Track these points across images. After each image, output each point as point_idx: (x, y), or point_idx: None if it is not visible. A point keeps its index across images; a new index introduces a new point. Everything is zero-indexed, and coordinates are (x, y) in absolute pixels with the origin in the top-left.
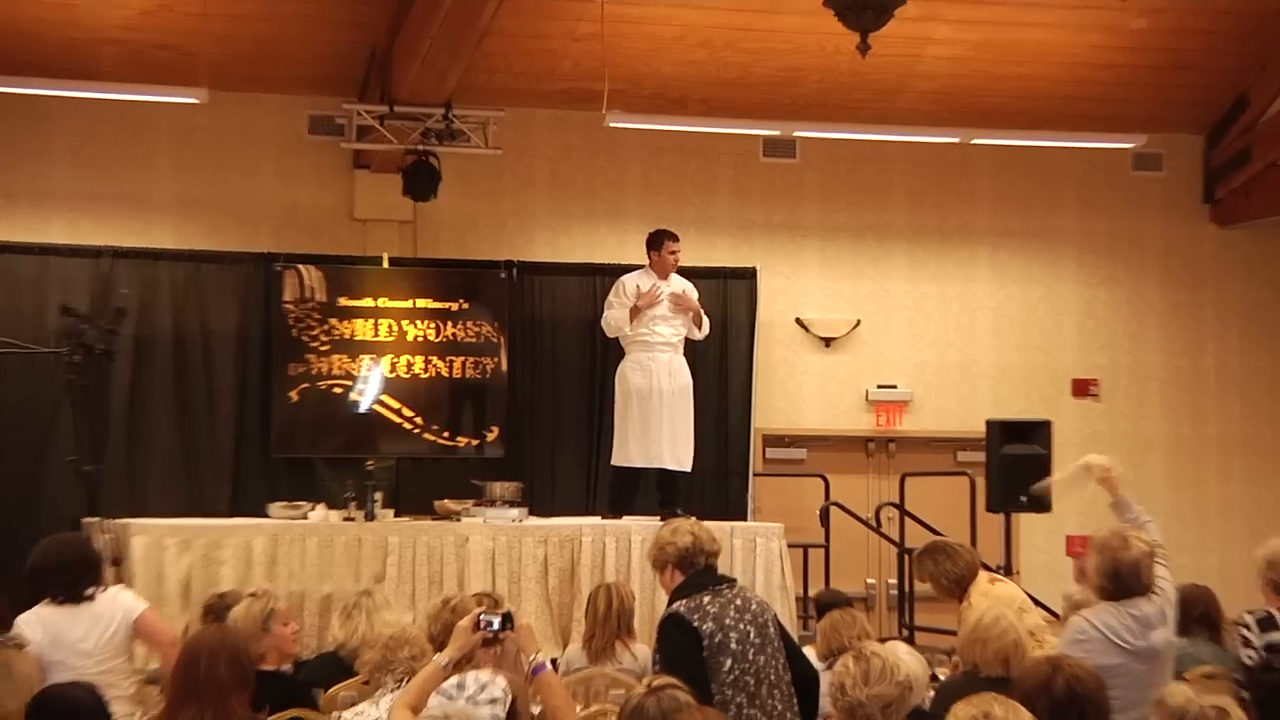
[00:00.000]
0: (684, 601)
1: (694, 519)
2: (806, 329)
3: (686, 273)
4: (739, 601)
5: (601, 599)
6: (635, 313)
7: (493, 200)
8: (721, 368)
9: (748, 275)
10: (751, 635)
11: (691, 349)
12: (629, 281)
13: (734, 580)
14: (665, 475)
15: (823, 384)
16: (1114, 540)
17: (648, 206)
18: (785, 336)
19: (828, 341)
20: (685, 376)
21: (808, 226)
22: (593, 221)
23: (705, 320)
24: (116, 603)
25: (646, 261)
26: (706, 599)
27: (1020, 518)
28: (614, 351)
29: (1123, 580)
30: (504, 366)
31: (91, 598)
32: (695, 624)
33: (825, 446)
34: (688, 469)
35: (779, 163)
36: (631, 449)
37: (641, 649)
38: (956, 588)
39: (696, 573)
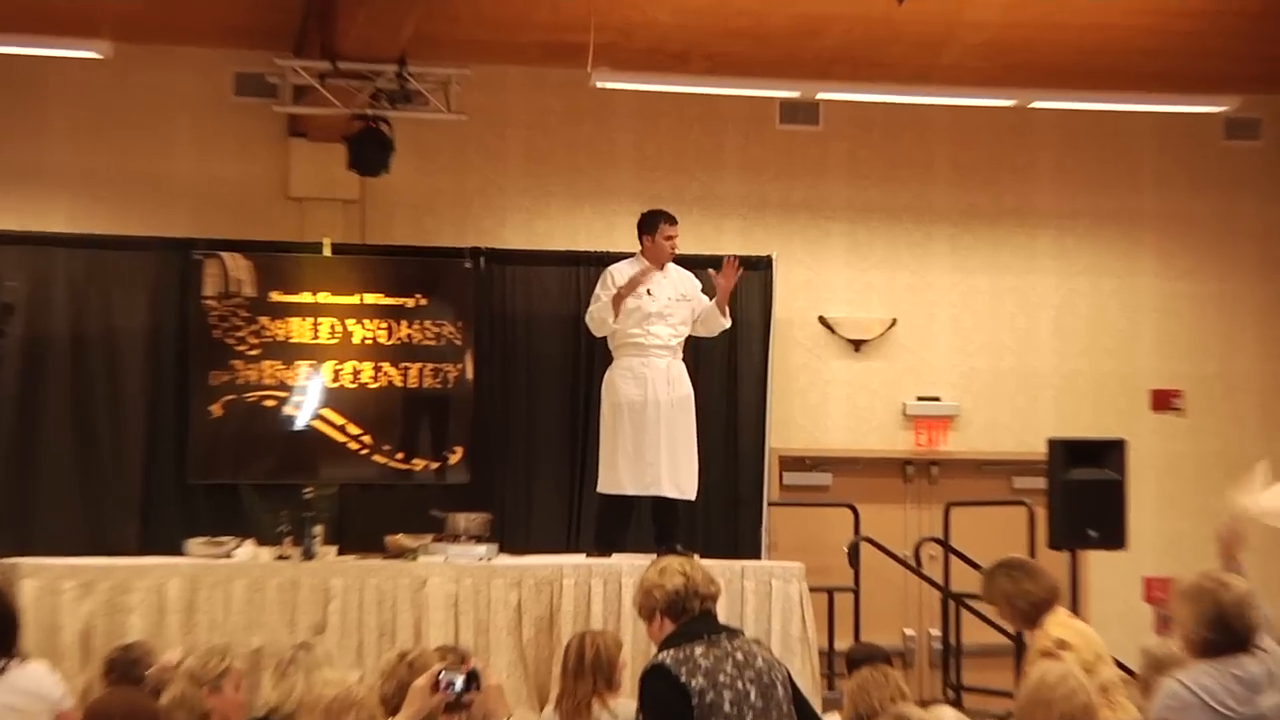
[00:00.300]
0: (671, 651)
1: (692, 557)
2: (832, 330)
3: (688, 262)
4: (740, 655)
5: (574, 650)
6: (618, 301)
7: (456, 175)
8: (730, 376)
9: (762, 265)
10: (752, 696)
11: (694, 353)
12: (618, 271)
13: (737, 630)
14: (662, 505)
15: (851, 396)
16: (1208, 583)
17: (642, 183)
18: (806, 339)
19: (857, 345)
20: (686, 386)
21: (833, 207)
22: (576, 201)
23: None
24: (39, 687)
25: (639, 249)
26: (699, 650)
27: (1089, 557)
28: (601, 356)
29: (1229, 627)
30: (469, 375)
31: (2, 671)
32: (682, 679)
33: (854, 470)
34: (690, 497)
35: (799, 130)
36: (622, 473)
37: (625, 705)
38: (1034, 613)
39: (690, 620)
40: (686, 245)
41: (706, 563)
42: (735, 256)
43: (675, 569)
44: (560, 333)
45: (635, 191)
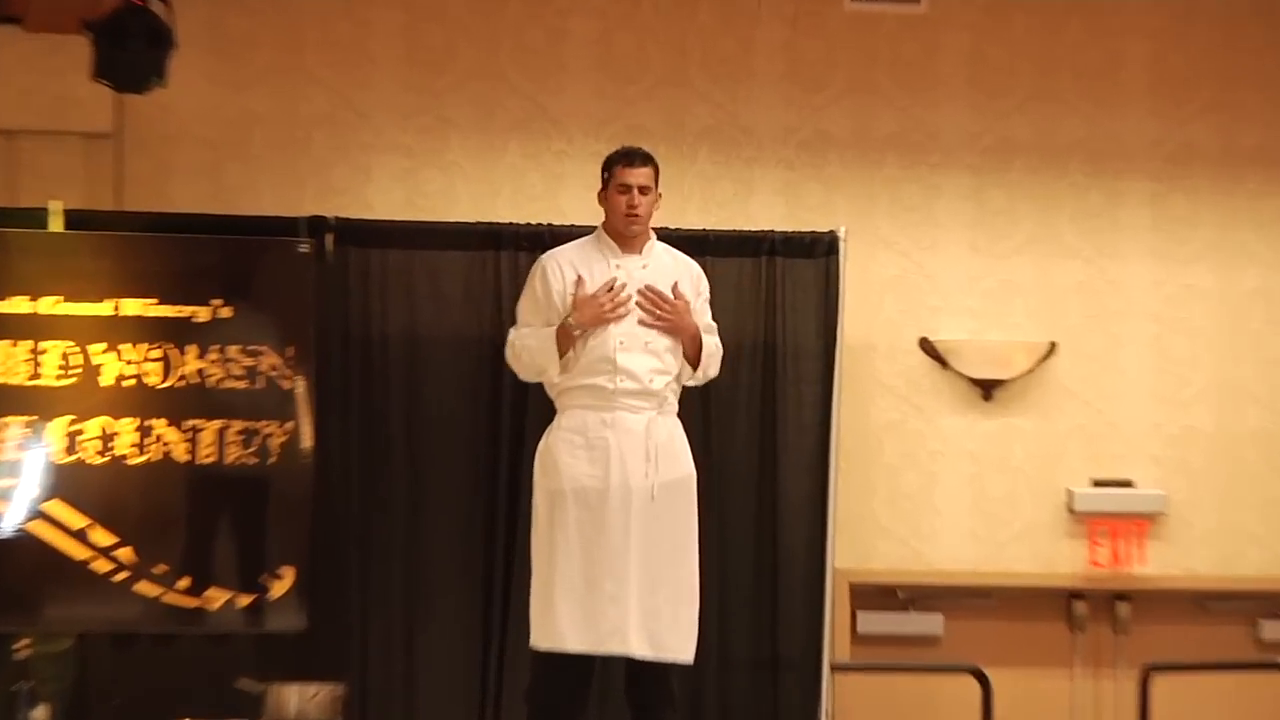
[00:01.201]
0: None
1: None
2: (943, 362)
3: (689, 242)
4: None
5: None
6: (566, 342)
7: (283, 92)
8: (766, 441)
9: (819, 249)
10: None
11: (694, 402)
12: (554, 266)
13: None
14: (641, 671)
15: (979, 478)
16: None
17: (610, 107)
18: (898, 377)
19: (989, 388)
20: (683, 462)
21: (947, 145)
22: (494, 138)
23: (714, 346)
24: None
25: (601, 220)
26: None
27: None
28: (536, 405)
29: None
30: (305, 440)
31: None
32: None
33: (983, 609)
34: (684, 658)
35: (886, 11)
36: (562, 617)
37: None
38: None
39: None
40: (692, 210)
41: None
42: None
43: None
44: (464, 364)
45: (598, 120)
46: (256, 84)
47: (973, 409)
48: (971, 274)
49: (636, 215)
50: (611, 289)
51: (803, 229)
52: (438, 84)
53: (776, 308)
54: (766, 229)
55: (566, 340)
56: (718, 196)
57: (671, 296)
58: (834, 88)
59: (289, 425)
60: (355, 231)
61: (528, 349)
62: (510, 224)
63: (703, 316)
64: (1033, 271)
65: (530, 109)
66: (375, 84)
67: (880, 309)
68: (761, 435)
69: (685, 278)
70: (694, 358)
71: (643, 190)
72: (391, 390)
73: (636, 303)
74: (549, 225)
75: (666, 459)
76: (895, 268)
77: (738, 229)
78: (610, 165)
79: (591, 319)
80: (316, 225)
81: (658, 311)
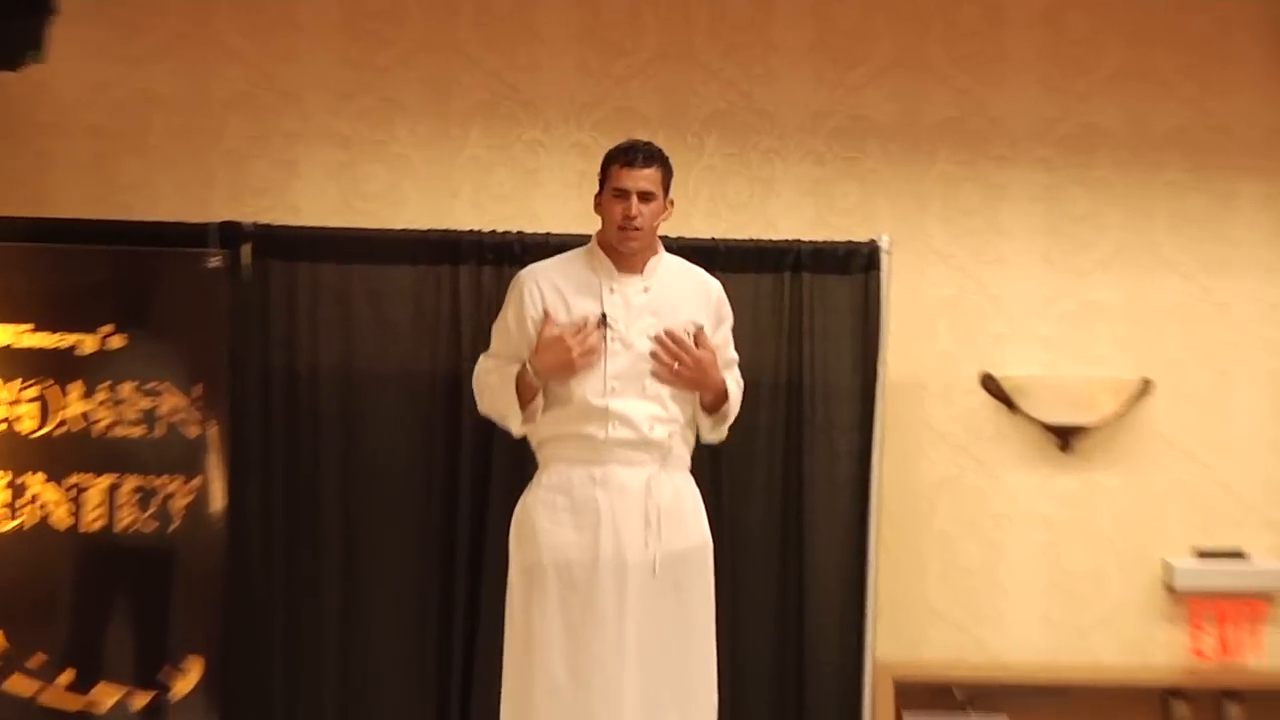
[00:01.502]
0: None
1: None
2: (1011, 404)
3: (693, 255)
4: None
5: None
6: (528, 389)
7: (185, 67)
8: (787, 501)
9: (857, 261)
10: None
11: (700, 454)
12: (532, 288)
13: None
14: None
15: (1054, 547)
16: None
17: (599, 81)
18: (955, 422)
19: (1065, 437)
20: (693, 531)
21: (1015, 134)
22: (455, 119)
23: (736, 390)
24: None
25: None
26: None
27: None
28: (506, 455)
29: None
30: (217, 498)
31: None
32: None
33: (1056, 710)
34: None
35: None
36: (540, 713)
37: None
38: None
39: None
40: (694, 216)
41: None
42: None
43: None
44: (415, 407)
45: (581, 103)
46: (156, 58)
47: (1047, 462)
48: (1045, 294)
49: (635, 230)
50: (579, 331)
51: (835, 238)
52: (381, 58)
53: (802, 336)
54: (790, 238)
55: (528, 388)
56: (729, 198)
57: (692, 341)
58: (875, 61)
59: (195, 482)
60: (278, 241)
61: (489, 388)
62: (471, 232)
63: (723, 351)
64: (1121, 291)
65: (496, 88)
66: (303, 57)
67: (932, 338)
68: (784, 495)
69: (699, 302)
70: (715, 408)
71: (644, 197)
72: (323, 439)
73: (651, 352)
74: (519, 233)
75: (672, 524)
76: (951, 286)
77: (754, 238)
78: (607, 165)
79: (552, 365)
80: (230, 233)
81: (675, 365)
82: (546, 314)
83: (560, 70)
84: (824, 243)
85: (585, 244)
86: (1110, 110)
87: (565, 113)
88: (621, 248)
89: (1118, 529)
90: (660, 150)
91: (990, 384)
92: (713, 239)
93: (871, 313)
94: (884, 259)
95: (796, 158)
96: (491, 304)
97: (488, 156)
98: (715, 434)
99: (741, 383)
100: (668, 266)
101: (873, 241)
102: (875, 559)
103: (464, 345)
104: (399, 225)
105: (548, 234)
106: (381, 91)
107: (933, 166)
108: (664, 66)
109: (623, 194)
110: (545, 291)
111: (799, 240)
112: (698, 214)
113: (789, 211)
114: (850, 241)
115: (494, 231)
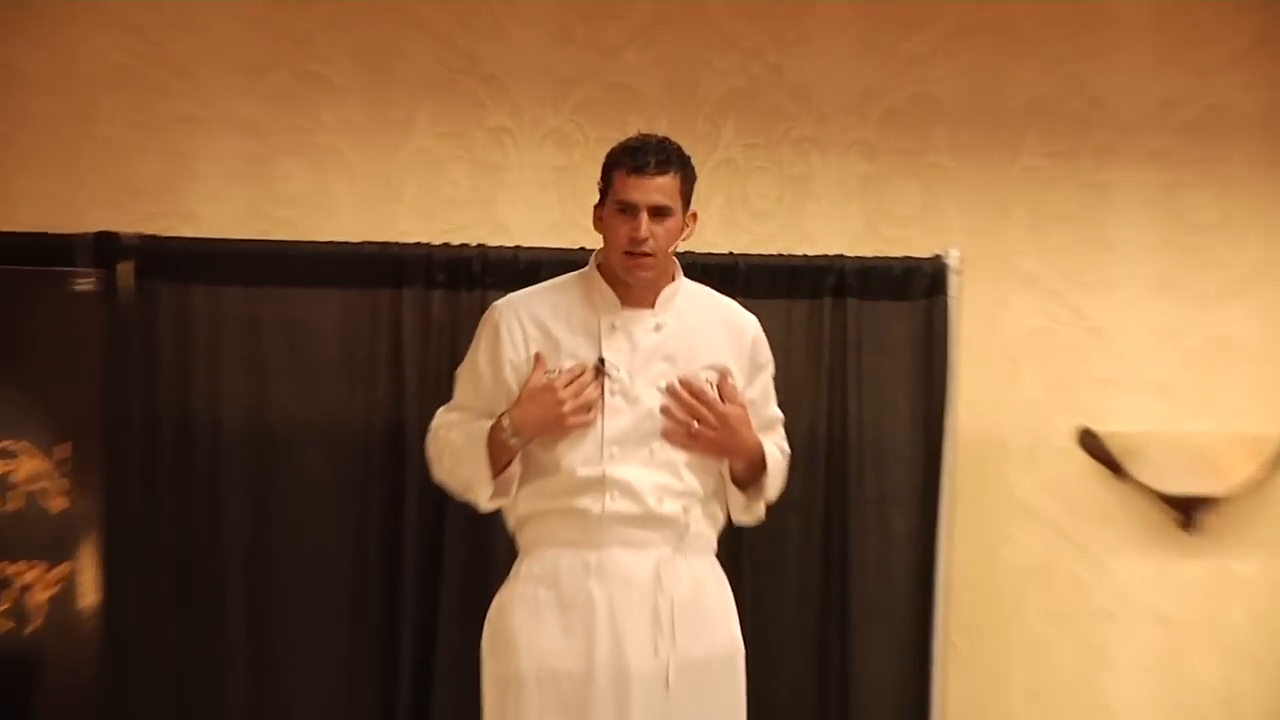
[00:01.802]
0: None
1: None
2: (1117, 468)
3: (707, 274)
4: None
5: None
6: (502, 451)
7: (54, 37)
8: (829, 593)
9: (918, 284)
10: None
11: (724, 541)
12: (511, 323)
13: None
14: None
15: (1172, 651)
16: None
17: (584, 52)
18: (1045, 491)
19: (1189, 511)
20: (716, 626)
21: (1123, 119)
22: (399, 100)
23: (780, 459)
24: None
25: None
26: None
27: None
28: (467, 533)
29: None
30: (89, 591)
31: None
32: None
33: None
34: None
35: None
36: None
37: None
38: None
39: None
40: (707, 225)
41: None
42: (726, 379)
43: None
44: (346, 470)
45: (560, 79)
46: (14, 28)
47: (1166, 544)
48: (1163, 326)
49: (645, 256)
50: (575, 380)
51: (890, 253)
52: (301, 21)
53: (847, 381)
54: (831, 254)
55: (502, 449)
56: (752, 201)
57: (715, 393)
58: (940, 26)
59: (61, 570)
60: (169, 257)
61: (451, 448)
62: (419, 245)
63: (761, 408)
64: (1261, 323)
65: (453, 60)
66: (200, 22)
67: (1016, 382)
68: (825, 587)
69: (728, 343)
70: (749, 479)
71: (657, 213)
72: (227, 512)
73: (662, 408)
74: (480, 247)
75: (690, 624)
76: (1040, 315)
77: (784, 253)
78: (609, 169)
79: (537, 422)
80: (106, 247)
81: (693, 424)
82: (538, 357)
83: (533, 37)
84: (875, 259)
85: (568, 262)
86: (1244, 90)
87: (539, 92)
88: (628, 277)
89: (1254, 629)
90: (678, 149)
91: (1091, 443)
92: (730, 254)
93: (937, 350)
94: (953, 280)
95: (839, 150)
96: (443, 338)
97: (439, 148)
98: (749, 514)
99: (788, 450)
100: (688, 297)
101: (938, 258)
102: (942, 670)
103: (408, 391)
104: (325, 237)
105: (516, 248)
106: (302, 65)
107: (1016, 161)
108: (668, 31)
109: (629, 209)
110: (528, 328)
111: (842, 256)
112: (712, 223)
113: (829, 219)
114: (909, 258)
115: (447, 245)
